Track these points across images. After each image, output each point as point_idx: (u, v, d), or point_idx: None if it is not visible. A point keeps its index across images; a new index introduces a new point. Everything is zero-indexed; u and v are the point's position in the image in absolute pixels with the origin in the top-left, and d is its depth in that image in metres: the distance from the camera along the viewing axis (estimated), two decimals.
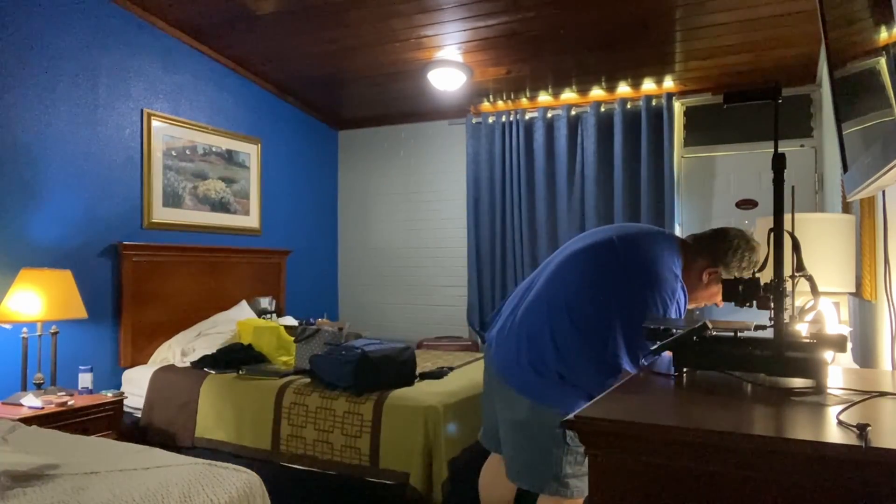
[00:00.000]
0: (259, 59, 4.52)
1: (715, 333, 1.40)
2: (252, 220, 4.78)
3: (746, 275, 1.93)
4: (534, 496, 1.99)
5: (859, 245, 2.28)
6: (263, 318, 4.21)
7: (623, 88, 4.61)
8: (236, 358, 3.58)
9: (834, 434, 0.98)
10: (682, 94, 4.53)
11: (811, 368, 1.23)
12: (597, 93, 4.71)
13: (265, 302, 4.53)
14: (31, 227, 3.33)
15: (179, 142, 4.20)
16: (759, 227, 2.39)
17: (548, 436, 1.87)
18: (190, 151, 4.28)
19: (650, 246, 1.96)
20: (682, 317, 1.92)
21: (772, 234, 1.29)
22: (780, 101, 1.31)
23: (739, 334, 1.38)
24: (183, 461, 2.08)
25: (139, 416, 3.54)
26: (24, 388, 3.11)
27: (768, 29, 3.60)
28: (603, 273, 1.93)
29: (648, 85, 4.53)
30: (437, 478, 2.78)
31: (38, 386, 3.10)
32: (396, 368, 3.15)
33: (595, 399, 1.21)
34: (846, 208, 2.83)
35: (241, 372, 3.45)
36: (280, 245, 5.02)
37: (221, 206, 4.53)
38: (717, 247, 1.99)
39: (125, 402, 3.36)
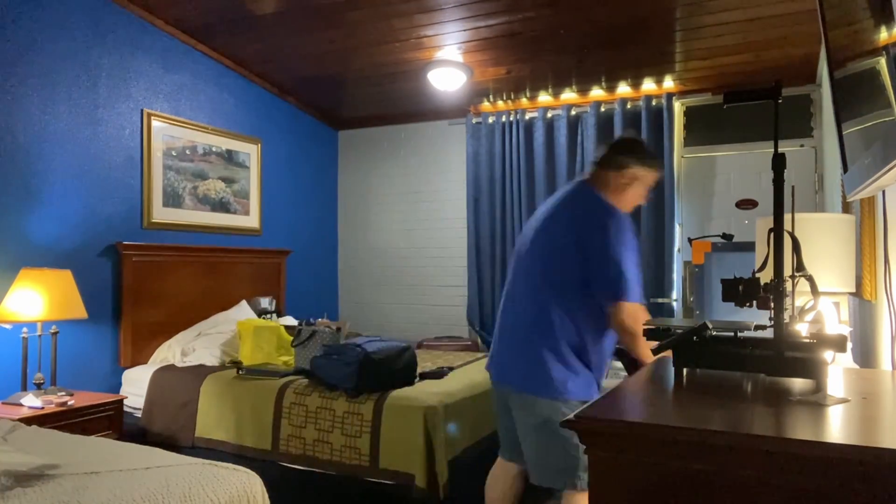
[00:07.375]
0: (259, 59, 4.52)
1: (715, 333, 1.40)
2: (252, 220, 4.78)
3: (642, 167, 2.18)
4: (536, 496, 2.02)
5: (859, 245, 2.28)
6: (263, 318, 4.21)
7: (623, 88, 4.61)
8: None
9: (834, 434, 0.98)
10: (682, 94, 4.52)
11: (811, 368, 1.23)
12: (597, 93, 4.71)
13: (265, 302, 4.53)
14: (31, 227, 3.33)
15: (179, 142, 4.20)
16: (759, 227, 2.39)
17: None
18: (190, 151, 4.28)
19: (583, 200, 2.18)
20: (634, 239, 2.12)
21: (772, 234, 1.29)
22: (780, 100, 1.30)
23: (739, 334, 1.38)
24: (183, 461, 2.09)
25: (139, 416, 3.54)
26: (24, 388, 3.11)
27: (768, 29, 3.60)
28: (563, 240, 2.11)
29: (648, 85, 4.53)
30: (438, 478, 2.78)
31: (38, 386, 3.09)
32: (398, 369, 3.15)
33: (595, 399, 1.21)
34: (846, 208, 2.83)
35: (240, 372, 3.45)
36: (280, 245, 5.01)
37: (221, 206, 4.52)
38: (613, 157, 2.21)
39: (125, 402, 3.36)
